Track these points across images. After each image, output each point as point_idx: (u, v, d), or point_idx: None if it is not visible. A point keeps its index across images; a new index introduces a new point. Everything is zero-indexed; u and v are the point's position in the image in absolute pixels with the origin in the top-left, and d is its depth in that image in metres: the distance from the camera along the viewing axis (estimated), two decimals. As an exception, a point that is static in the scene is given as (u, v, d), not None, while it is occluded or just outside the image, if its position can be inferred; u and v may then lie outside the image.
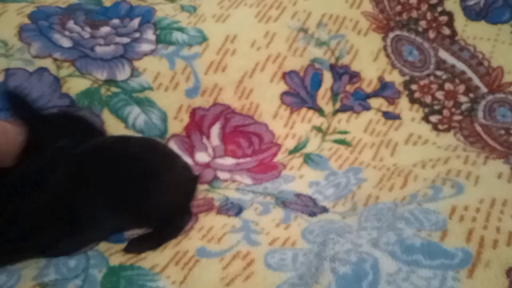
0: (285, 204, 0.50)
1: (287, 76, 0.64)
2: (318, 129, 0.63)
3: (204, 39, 0.63)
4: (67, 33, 0.60)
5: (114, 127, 0.57)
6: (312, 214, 0.48)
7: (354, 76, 0.67)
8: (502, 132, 0.62)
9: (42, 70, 0.57)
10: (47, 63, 0.57)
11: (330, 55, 0.67)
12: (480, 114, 0.66)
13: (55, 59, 0.58)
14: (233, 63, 0.63)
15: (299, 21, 0.67)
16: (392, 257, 0.38)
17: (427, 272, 0.36)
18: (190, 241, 0.45)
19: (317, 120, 0.64)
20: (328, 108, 0.65)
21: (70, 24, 0.61)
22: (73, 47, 0.59)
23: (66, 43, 0.59)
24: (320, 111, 0.64)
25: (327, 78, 0.66)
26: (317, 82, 0.66)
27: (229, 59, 0.63)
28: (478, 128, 0.63)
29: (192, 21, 0.64)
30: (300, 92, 0.65)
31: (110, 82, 0.58)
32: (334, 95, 0.65)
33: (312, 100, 0.65)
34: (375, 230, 0.42)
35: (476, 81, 0.68)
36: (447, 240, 0.38)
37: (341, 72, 0.67)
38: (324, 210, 0.48)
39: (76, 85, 0.57)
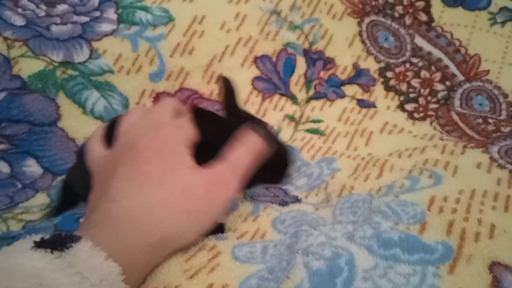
0: (253, 197, 0.47)
1: (258, 60, 0.61)
2: (291, 117, 0.60)
3: (170, 19, 0.59)
4: (20, 10, 0.56)
5: (70, 112, 0.53)
6: (283, 203, 0.45)
7: (329, 62, 0.64)
8: (480, 121, 0.61)
9: (-9, 49, 0.52)
10: (-3, 42, 0.53)
11: (304, 39, 0.64)
12: (456, 102, 0.64)
13: (5, 38, 0.53)
14: (201, 45, 0.59)
15: (271, 3, 0.63)
16: (369, 251, 0.35)
17: (406, 268, 0.33)
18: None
19: (290, 108, 0.61)
20: (301, 95, 0.62)
21: (24, 1, 0.57)
22: (26, 26, 0.55)
23: (18, 21, 0.55)
24: (293, 99, 0.62)
25: (301, 64, 0.63)
26: (290, 67, 0.63)
27: (196, 42, 0.59)
28: (455, 117, 0.62)
29: (158, 0, 0.60)
30: (273, 77, 0.62)
31: (66, 64, 0.54)
32: (308, 82, 0.63)
33: (285, 87, 0.62)
34: (351, 224, 0.39)
35: (453, 68, 0.66)
36: (427, 233, 0.36)
37: (315, 58, 0.64)
38: (296, 200, 0.46)
39: (28, 66, 0.53)
